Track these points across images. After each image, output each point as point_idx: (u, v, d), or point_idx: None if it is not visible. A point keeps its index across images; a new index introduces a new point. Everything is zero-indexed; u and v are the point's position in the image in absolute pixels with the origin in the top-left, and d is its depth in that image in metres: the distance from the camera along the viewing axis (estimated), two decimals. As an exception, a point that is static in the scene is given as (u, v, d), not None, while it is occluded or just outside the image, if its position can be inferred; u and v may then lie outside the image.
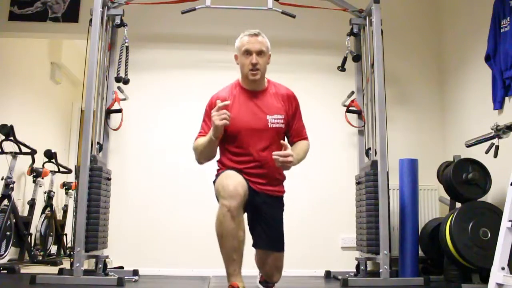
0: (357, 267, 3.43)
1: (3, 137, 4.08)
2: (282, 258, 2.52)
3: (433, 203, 3.87)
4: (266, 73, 2.53)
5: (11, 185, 3.91)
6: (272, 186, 2.51)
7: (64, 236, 5.26)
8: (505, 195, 2.23)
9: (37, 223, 4.69)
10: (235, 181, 2.26)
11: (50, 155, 4.90)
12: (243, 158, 2.45)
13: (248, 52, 2.44)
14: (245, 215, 2.41)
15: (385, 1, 3.56)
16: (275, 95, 2.54)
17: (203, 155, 2.45)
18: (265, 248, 2.50)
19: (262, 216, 2.48)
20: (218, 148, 2.51)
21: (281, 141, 2.36)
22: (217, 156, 2.56)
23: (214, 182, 2.45)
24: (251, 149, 2.44)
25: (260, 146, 2.44)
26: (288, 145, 2.38)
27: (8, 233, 3.84)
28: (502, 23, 3.21)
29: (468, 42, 3.75)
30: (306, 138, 2.63)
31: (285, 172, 2.58)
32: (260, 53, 2.44)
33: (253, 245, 2.51)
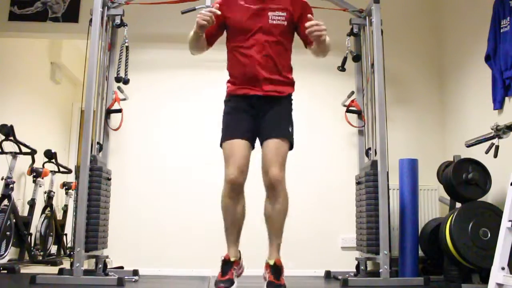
0: (357, 267, 3.43)
1: (3, 137, 4.07)
2: (282, 150, 2.47)
3: (433, 203, 3.87)
4: None
5: (11, 185, 3.91)
6: (276, 85, 2.54)
7: (64, 236, 5.26)
8: (505, 195, 2.24)
9: (37, 223, 4.69)
10: (240, 161, 2.43)
11: (50, 155, 4.90)
12: (246, 57, 2.50)
13: None
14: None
15: (385, 1, 3.56)
16: None
17: (191, 46, 2.59)
18: (264, 136, 2.50)
19: (265, 117, 2.52)
20: (226, 48, 2.62)
21: (308, 15, 2.38)
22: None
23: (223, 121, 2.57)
24: (254, 42, 2.50)
25: (263, 39, 2.49)
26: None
27: (8, 233, 3.84)
28: (502, 23, 3.21)
29: (468, 42, 3.75)
30: None
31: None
32: None
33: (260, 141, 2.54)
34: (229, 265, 2.47)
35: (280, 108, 2.56)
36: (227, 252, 2.50)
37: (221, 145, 2.54)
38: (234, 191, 2.45)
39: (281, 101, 2.56)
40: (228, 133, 2.53)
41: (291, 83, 2.62)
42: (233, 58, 2.58)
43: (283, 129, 2.52)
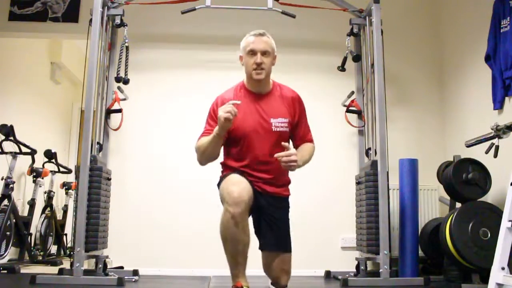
0: (357, 267, 3.43)
1: (3, 137, 4.08)
2: (289, 260, 2.50)
3: (433, 203, 3.86)
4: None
5: (11, 185, 3.91)
6: (277, 188, 2.52)
7: (64, 236, 5.26)
8: (505, 195, 2.24)
9: (37, 223, 4.69)
10: (239, 187, 2.24)
11: (50, 155, 4.90)
12: (247, 161, 2.45)
13: (252, 52, 2.43)
14: (250, 217, 2.42)
15: (385, 1, 3.56)
16: (280, 98, 2.53)
17: (205, 155, 2.44)
18: (270, 249, 2.47)
19: (266, 218, 2.47)
20: (222, 150, 2.52)
21: (282, 142, 2.35)
22: (220, 159, 2.55)
23: (218, 185, 2.47)
24: (255, 152, 2.44)
25: (264, 149, 2.43)
26: (290, 145, 2.38)
27: (8, 233, 3.84)
28: (502, 23, 3.21)
29: (468, 42, 3.75)
30: (311, 141, 2.63)
31: (289, 173, 2.59)
32: (265, 53, 2.43)
33: (259, 247, 2.49)
34: None
35: (281, 210, 2.54)
36: (238, 280, 2.27)
37: (219, 186, 2.41)
38: (239, 215, 2.18)
39: (282, 200, 2.56)
40: (229, 172, 2.42)
41: (290, 182, 2.63)
42: (232, 158, 2.50)
43: (289, 244, 2.52)
